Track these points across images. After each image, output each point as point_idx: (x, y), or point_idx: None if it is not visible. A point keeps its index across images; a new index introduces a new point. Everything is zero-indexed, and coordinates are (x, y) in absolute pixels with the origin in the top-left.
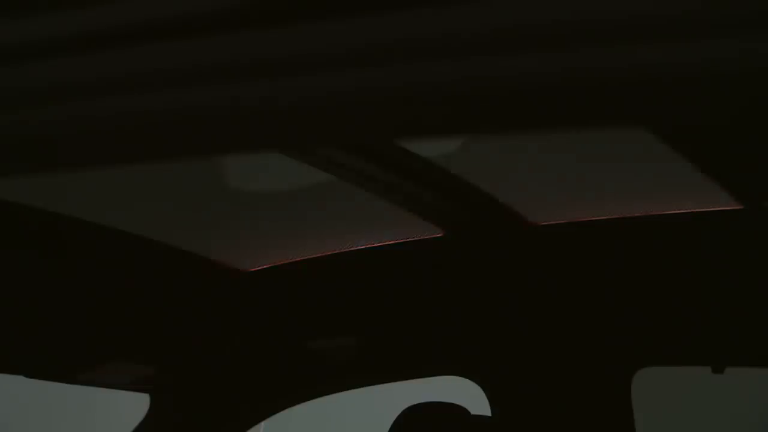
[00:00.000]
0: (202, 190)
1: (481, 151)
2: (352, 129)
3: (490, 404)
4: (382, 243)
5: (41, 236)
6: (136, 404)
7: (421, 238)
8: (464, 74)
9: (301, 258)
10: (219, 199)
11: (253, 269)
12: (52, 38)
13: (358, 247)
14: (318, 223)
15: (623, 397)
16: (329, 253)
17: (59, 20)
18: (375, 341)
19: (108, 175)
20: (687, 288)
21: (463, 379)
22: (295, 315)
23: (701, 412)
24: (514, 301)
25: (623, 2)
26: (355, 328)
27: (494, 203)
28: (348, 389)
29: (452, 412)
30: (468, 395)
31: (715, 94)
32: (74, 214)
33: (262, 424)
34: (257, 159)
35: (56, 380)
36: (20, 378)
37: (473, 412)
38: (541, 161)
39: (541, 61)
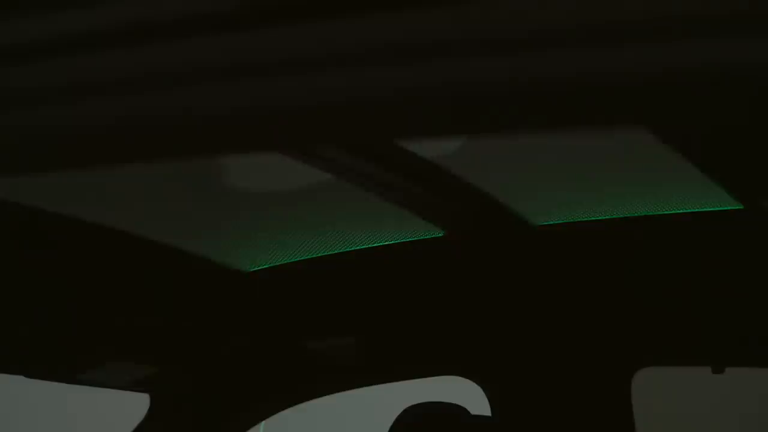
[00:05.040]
0: (202, 190)
1: (481, 151)
2: (352, 129)
3: (490, 404)
4: (382, 243)
5: (41, 236)
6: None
7: (421, 238)
8: (465, 74)
9: (301, 258)
10: (219, 199)
11: (253, 269)
12: (53, 38)
13: (358, 247)
14: (318, 223)
15: (623, 397)
16: (329, 253)
17: (60, 20)
18: (375, 341)
19: (107, 174)
20: (687, 288)
21: (463, 379)
22: (295, 315)
23: (701, 412)
24: (514, 301)
25: (624, 2)
26: (355, 328)
27: (494, 203)
28: (348, 389)
29: (452, 412)
30: (468, 395)
31: (716, 94)
32: (74, 214)
33: (262, 424)
34: (257, 159)
35: (56, 380)
36: (20, 378)
37: (473, 412)
38: (541, 161)
39: (541, 61)
